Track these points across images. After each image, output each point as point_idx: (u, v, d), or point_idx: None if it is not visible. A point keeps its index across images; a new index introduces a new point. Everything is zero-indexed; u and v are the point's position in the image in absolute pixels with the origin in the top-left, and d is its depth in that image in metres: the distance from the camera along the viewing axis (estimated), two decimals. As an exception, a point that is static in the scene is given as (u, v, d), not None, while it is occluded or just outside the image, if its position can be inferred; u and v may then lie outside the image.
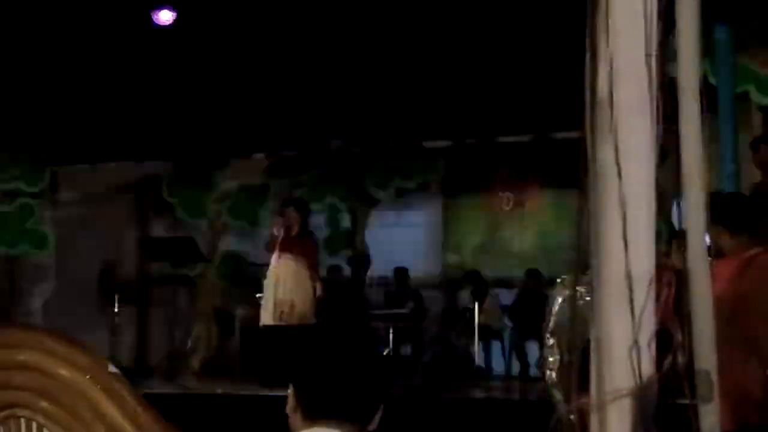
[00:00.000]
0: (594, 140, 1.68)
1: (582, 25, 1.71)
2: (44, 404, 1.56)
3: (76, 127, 11.52)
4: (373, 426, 1.92)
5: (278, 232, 8.61)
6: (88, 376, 1.53)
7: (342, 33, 9.52)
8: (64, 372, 1.54)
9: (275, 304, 8.49)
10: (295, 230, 8.64)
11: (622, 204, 1.61)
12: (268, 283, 8.72)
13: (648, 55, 1.61)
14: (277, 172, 12.04)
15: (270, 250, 8.73)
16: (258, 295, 10.49)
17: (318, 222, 10.56)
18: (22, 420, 1.57)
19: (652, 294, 1.60)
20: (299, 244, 8.63)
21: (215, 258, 11.74)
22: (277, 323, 8.39)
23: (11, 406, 1.54)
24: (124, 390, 1.51)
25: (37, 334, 1.55)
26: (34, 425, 1.57)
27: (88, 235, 12.53)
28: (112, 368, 1.52)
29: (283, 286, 8.57)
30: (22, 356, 1.54)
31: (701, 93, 1.70)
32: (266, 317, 8.60)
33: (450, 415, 6.75)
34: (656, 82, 1.65)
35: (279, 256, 8.64)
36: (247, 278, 11.57)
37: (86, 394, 1.53)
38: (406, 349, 10.80)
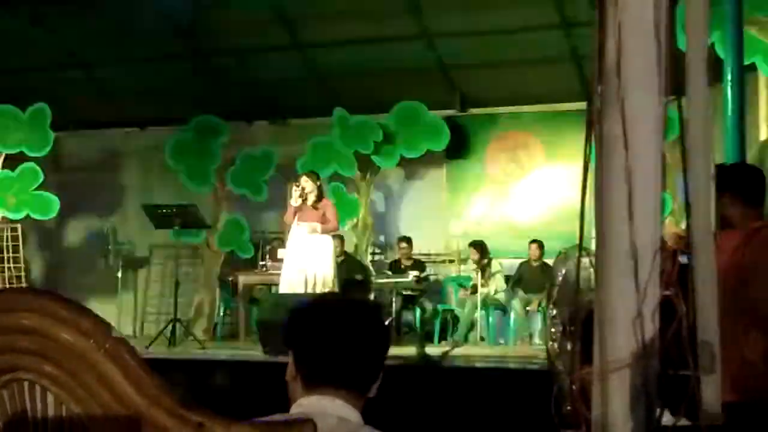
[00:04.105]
0: (601, 111, 1.67)
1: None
2: (47, 368, 1.56)
3: (82, 92, 11.51)
4: (371, 394, 1.93)
5: (295, 201, 8.76)
6: (91, 341, 1.53)
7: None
8: (66, 336, 1.53)
9: (299, 272, 8.60)
10: (311, 199, 8.78)
11: (628, 175, 1.60)
12: (289, 251, 8.82)
13: (657, 26, 1.60)
14: (280, 140, 12.03)
15: (288, 220, 8.86)
16: (261, 263, 10.53)
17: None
18: (26, 383, 1.58)
19: (657, 265, 1.60)
20: (317, 212, 8.77)
21: (218, 225, 11.76)
22: (299, 291, 8.47)
23: (15, 369, 1.55)
24: (127, 355, 1.51)
25: (40, 297, 1.55)
26: (38, 388, 1.57)
27: (91, 201, 12.56)
28: (115, 333, 1.52)
29: (305, 254, 8.66)
30: (25, 320, 1.54)
31: (708, 64, 1.69)
32: (286, 285, 8.70)
33: (451, 385, 6.78)
34: (665, 53, 1.64)
35: (298, 225, 8.76)
36: (250, 246, 11.61)
37: (89, 358, 1.53)
38: (409, 318, 10.84)
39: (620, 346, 1.60)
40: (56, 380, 1.55)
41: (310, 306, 2.01)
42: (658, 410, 1.64)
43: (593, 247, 1.75)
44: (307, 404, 1.86)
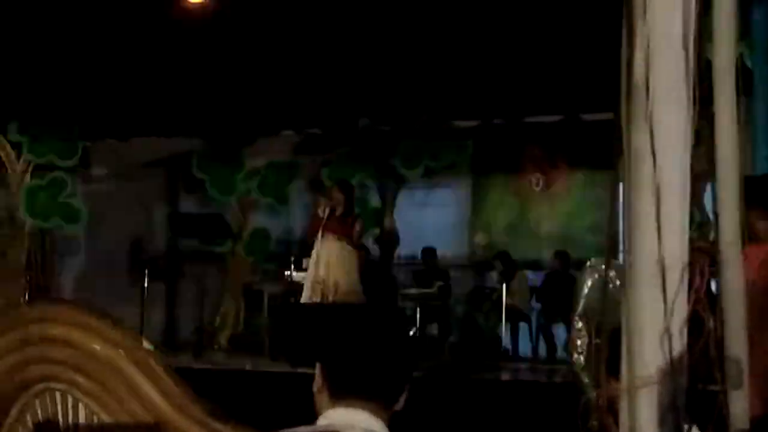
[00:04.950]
0: (629, 124, 1.67)
1: (615, 5, 1.70)
2: (79, 378, 1.58)
3: (109, 102, 11.60)
4: (398, 407, 1.93)
5: (323, 212, 8.75)
6: (121, 351, 1.55)
7: (372, 11, 9.49)
8: (98, 347, 1.56)
9: (318, 283, 8.60)
10: (339, 210, 8.77)
11: (656, 189, 1.60)
12: (312, 262, 8.84)
13: (685, 39, 1.60)
14: (306, 149, 12.07)
15: (314, 230, 8.85)
16: (287, 273, 10.57)
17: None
18: (58, 393, 1.60)
19: (685, 280, 1.60)
20: (344, 225, 8.76)
21: (244, 235, 11.81)
22: (320, 301, 8.48)
23: (48, 379, 1.57)
24: (158, 366, 1.53)
25: (73, 309, 1.57)
26: (70, 398, 1.59)
27: (119, 210, 12.65)
28: (146, 344, 1.54)
29: (327, 266, 8.67)
30: (58, 331, 1.56)
31: (737, 75, 1.69)
32: (308, 296, 8.71)
33: (476, 397, 6.77)
34: (693, 66, 1.64)
35: (323, 236, 8.75)
36: (276, 255, 11.65)
37: (120, 369, 1.55)
38: (433, 329, 10.82)
39: (648, 361, 1.60)
40: (87, 390, 1.57)
41: (337, 317, 2.01)
42: (686, 426, 1.63)
43: (620, 260, 1.75)
44: (333, 416, 1.86)
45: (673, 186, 1.64)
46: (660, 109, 1.63)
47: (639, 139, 1.66)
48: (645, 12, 1.61)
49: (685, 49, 1.61)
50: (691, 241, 1.67)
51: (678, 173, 1.65)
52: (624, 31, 1.65)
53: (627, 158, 1.69)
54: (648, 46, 1.62)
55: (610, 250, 1.75)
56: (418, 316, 10.14)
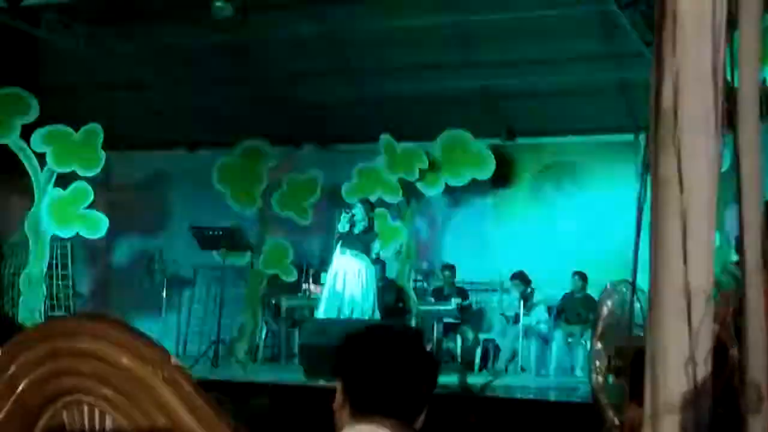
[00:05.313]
0: (656, 151, 1.68)
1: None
2: (106, 391, 1.60)
3: (133, 113, 11.69)
4: (417, 425, 1.94)
5: (343, 227, 8.79)
6: (149, 367, 1.57)
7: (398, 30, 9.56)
8: (126, 361, 1.57)
9: (335, 298, 8.62)
10: (359, 227, 8.81)
11: (683, 216, 1.61)
12: (330, 276, 8.86)
13: (714, 70, 1.61)
14: (326, 164, 12.10)
15: (336, 244, 8.89)
16: (305, 287, 10.59)
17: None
18: (85, 406, 1.61)
19: (710, 308, 1.60)
20: (362, 240, 8.79)
21: (262, 248, 11.83)
22: (336, 317, 8.50)
23: (76, 391, 1.59)
24: (185, 382, 1.55)
25: (103, 323, 1.59)
26: (97, 411, 1.61)
27: (140, 220, 12.72)
28: (174, 360, 1.56)
29: (345, 281, 8.69)
30: (87, 345, 1.58)
31: (761, 98, 1.69)
32: (324, 310, 8.74)
33: (492, 416, 6.74)
34: (722, 94, 1.64)
35: (341, 252, 8.78)
36: (293, 269, 11.66)
37: (147, 384, 1.57)
38: (451, 346, 10.80)
39: (672, 388, 1.60)
40: (114, 404, 1.58)
41: (360, 335, 2.02)
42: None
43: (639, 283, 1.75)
44: (354, 432, 1.88)
45: (699, 211, 1.65)
46: (688, 137, 1.64)
47: (666, 165, 1.67)
48: (675, 41, 1.62)
49: (715, 80, 1.62)
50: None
51: (705, 199, 1.66)
52: (653, 59, 1.66)
53: (654, 183, 1.70)
54: (677, 74, 1.63)
55: (635, 277, 1.75)
56: (435, 332, 10.13)
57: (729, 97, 1.67)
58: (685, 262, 1.62)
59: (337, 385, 1.98)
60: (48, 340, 1.61)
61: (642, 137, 9.58)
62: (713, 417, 1.67)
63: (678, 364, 1.60)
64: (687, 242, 1.62)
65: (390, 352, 1.96)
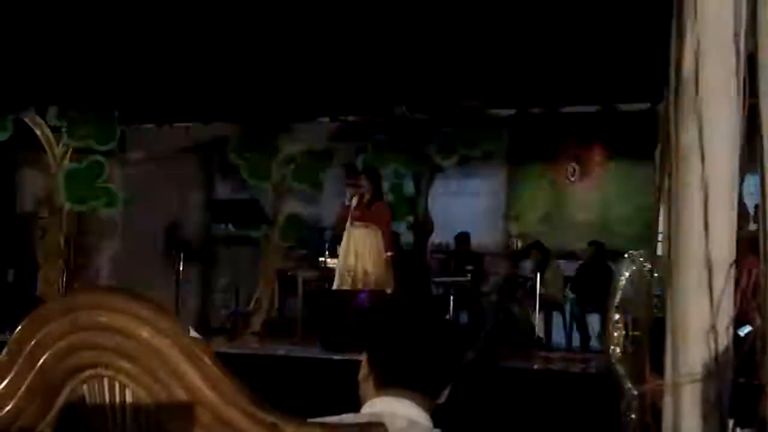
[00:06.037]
0: (677, 121, 1.66)
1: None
2: (126, 364, 1.60)
3: (147, 87, 11.68)
4: (441, 400, 1.94)
5: (350, 200, 8.75)
6: (169, 340, 1.57)
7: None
8: (146, 334, 1.57)
9: (348, 272, 8.62)
10: (367, 198, 8.77)
11: (704, 187, 1.59)
12: (342, 250, 8.86)
13: (736, 36, 1.58)
14: (341, 136, 12.08)
15: (343, 218, 8.86)
16: (321, 259, 10.59)
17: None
18: (106, 379, 1.62)
19: (732, 278, 1.59)
20: (372, 212, 8.76)
21: (279, 221, 11.85)
22: (351, 289, 8.51)
23: (96, 365, 1.59)
24: (204, 355, 1.55)
25: (123, 297, 1.59)
26: (117, 384, 1.61)
27: (155, 194, 12.75)
28: (193, 333, 1.56)
29: (356, 255, 8.69)
30: (108, 318, 1.58)
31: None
32: (339, 284, 8.74)
33: (508, 386, 6.76)
34: (744, 62, 1.62)
35: (352, 224, 8.76)
36: (310, 241, 11.68)
37: (166, 357, 1.57)
38: (465, 317, 10.81)
39: (693, 358, 1.59)
40: (134, 377, 1.59)
41: (386, 307, 2.03)
42: (731, 422, 1.63)
43: (657, 251, 1.74)
44: (379, 405, 1.88)
45: (721, 181, 1.63)
46: (709, 106, 1.62)
47: (687, 135, 1.65)
48: (696, 9, 1.60)
49: (737, 47, 1.59)
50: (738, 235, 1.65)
51: (727, 168, 1.64)
52: (674, 27, 1.64)
53: (674, 153, 1.68)
54: (698, 43, 1.61)
55: (655, 248, 1.74)
56: (450, 303, 10.13)
57: (751, 64, 1.65)
58: (706, 232, 1.60)
59: (363, 357, 1.99)
60: (69, 314, 1.61)
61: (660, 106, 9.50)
62: (734, 387, 1.66)
63: (699, 335, 1.59)
64: (708, 213, 1.60)
65: (417, 325, 1.96)
